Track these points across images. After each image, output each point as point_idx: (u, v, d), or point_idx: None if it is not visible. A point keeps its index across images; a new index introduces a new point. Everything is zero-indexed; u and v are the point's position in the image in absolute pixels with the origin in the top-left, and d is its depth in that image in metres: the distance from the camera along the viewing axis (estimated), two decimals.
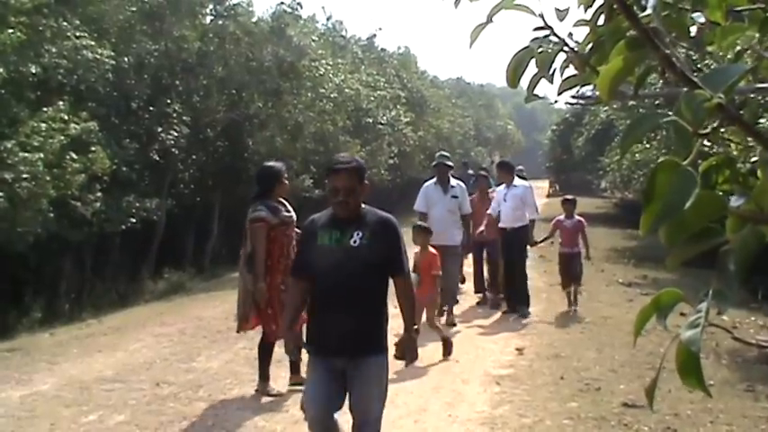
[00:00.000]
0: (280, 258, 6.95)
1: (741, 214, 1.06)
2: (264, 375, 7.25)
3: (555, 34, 1.58)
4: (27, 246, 14.27)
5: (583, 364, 8.31)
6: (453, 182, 10.74)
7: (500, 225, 11.19)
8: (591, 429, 6.29)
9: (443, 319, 10.21)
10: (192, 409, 6.80)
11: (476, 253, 11.95)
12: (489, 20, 1.57)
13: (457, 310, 11.18)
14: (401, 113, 33.98)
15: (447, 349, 8.65)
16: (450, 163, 10.89)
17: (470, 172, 13.95)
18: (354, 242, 4.36)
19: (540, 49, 1.60)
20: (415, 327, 4.76)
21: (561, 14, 1.62)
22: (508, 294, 11.47)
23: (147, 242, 19.67)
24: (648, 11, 1.29)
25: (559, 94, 1.77)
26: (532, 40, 1.62)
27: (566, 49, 1.62)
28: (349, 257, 4.35)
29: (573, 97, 1.88)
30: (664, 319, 1.10)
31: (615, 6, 1.49)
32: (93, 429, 6.39)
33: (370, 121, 29.70)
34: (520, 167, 13.67)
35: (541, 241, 11.74)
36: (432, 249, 8.99)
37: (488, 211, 11.40)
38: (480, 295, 12.36)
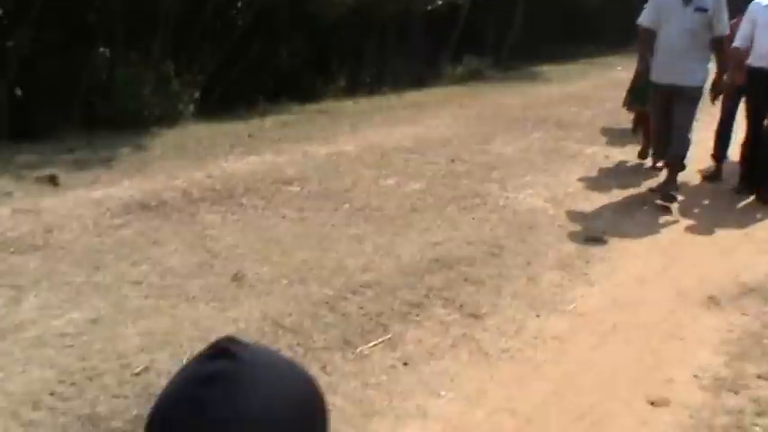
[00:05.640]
0: None
1: None
2: None
3: None
4: (336, 17, 14.70)
5: None
6: None
7: (755, 63, 7.15)
8: None
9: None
10: (484, 189, 6.87)
11: (728, 101, 7.77)
12: None
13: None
14: None
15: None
16: None
17: None
18: None
19: None
20: None
21: None
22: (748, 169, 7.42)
23: (449, 27, 19.67)
24: None
25: None
26: None
27: None
28: None
29: None
30: None
31: None
32: (390, 192, 6.67)
33: None
34: None
35: None
36: None
37: (734, 44, 7.16)
38: (714, 167, 7.93)
